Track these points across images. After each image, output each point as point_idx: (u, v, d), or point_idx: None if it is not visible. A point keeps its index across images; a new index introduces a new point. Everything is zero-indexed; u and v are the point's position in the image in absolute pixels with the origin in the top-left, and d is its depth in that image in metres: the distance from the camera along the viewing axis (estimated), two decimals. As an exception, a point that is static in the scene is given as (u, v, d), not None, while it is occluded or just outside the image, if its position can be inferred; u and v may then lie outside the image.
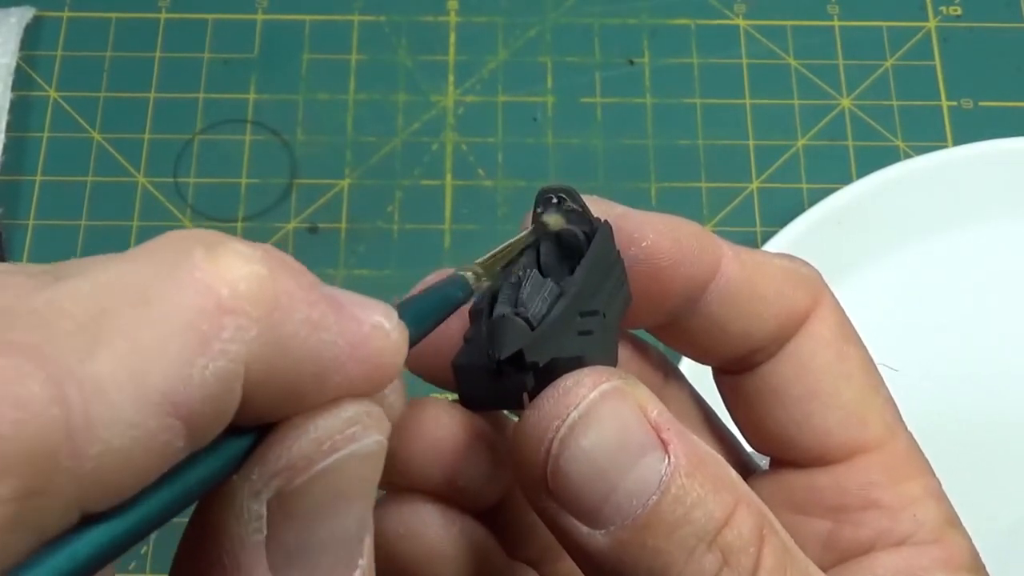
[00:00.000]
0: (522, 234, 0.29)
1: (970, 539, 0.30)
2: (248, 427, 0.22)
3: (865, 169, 0.62)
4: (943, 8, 0.69)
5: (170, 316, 0.20)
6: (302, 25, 0.68)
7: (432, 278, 0.28)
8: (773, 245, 0.57)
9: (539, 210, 0.29)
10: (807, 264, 0.31)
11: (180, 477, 0.21)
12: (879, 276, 0.60)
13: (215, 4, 0.68)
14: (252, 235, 0.62)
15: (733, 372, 0.31)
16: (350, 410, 0.22)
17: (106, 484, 0.19)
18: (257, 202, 0.63)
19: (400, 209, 0.63)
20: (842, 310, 0.31)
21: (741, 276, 0.30)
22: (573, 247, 0.29)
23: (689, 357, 0.32)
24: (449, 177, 0.64)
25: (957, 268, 0.60)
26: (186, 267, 0.20)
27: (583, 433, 0.25)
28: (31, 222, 0.62)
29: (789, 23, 0.69)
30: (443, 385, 0.29)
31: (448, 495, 0.29)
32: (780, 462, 0.32)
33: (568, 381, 0.25)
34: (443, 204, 0.63)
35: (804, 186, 0.64)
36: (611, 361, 0.28)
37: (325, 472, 0.22)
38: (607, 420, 0.25)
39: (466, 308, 0.28)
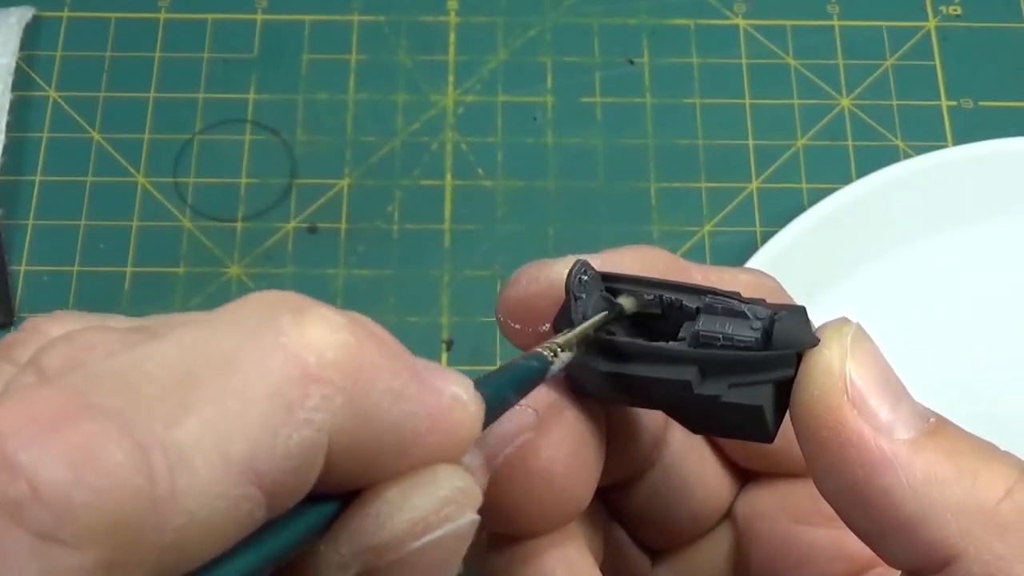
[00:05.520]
0: (596, 317, 0.28)
1: None
2: (326, 494, 0.21)
3: (865, 169, 0.62)
4: (943, 8, 0.69)
5: (256, 383, 0.19)
6: (302, 25, 0.68)
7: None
8: (773, 245, 0.57)
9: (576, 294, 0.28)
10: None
11: (257, 544, 0.20)
12: (879, 276, 0.60)
13: (215, 4, 0.68)
14: (252, 235, 0.62)
15: None
16: (445, 487, 0.22)
17: (186, 554, 0.18)
18: (257, 202, 0.63)
19: (400, 209, 0.63)
20: None
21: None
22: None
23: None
24: (449, 177, 0.64)
25: (957, 268, 0.60)
26: (272, 333, 0.20)
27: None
28: (31, 222, 0.62)
29: (789, 23, 0.69)
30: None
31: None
32: (774, 475, 0.31)
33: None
34: (443, 204, 0.63)
35: (804, 186, 0.64)
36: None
37: (416, 551, 0.21)
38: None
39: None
